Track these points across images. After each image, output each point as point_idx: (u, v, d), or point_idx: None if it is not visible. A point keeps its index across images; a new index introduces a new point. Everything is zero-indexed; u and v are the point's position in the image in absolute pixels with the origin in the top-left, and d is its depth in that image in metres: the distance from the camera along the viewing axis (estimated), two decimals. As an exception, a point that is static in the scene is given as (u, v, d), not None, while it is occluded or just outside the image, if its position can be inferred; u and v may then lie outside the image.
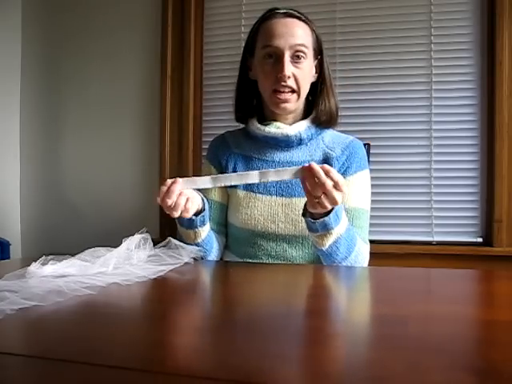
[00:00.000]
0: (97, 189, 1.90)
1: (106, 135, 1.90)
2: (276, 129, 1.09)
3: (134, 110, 1.87)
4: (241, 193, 1.09)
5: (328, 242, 0.94)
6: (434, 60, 1.63)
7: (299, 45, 1.04)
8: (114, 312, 0.60)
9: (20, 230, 1.97)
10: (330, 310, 0.64)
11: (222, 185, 0.94)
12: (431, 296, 0.72)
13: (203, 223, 0.99)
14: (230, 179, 0.93)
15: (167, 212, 0.92)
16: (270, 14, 1.08)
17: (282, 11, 1.07)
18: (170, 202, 0.88)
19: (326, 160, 1.09)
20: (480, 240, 1.60)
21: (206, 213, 1.00)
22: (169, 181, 0.90)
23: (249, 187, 1.09)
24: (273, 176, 0.90)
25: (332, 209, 0.90)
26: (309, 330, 0.53)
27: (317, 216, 0.92)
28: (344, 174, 1.08)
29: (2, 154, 1.92)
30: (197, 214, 0.98)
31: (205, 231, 1.01)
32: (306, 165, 0.87)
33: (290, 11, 1.07)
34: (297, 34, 1.04)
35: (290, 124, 1.10)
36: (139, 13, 1.87)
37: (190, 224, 0.98)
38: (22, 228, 1.98)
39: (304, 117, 1.12)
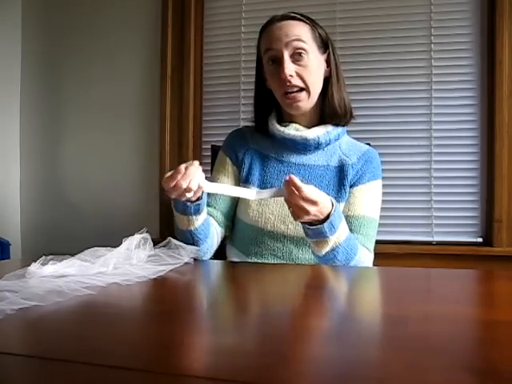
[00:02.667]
0: (97, 189, 1.90)
1: (105, 135, 1.90)
2: (295, 131, 1.10)
3: (134, 110, 1.87)
4: (254, 190, 1.09)
5: (324, 249, 0.95)
6: (434, 60, 1.63)
7: (295, 40, 1.04)
8: (114, 312, 0.60)
9: (20, 230, 1.97)
10: (331, 310, 0.64)
11: (216, 192, 0.99)
12: (431, 296, 0.72)
13: (198, 212, 0.97)
14: (228, 190, 0.99)
15: (170, 194, 0.91)
16: (268, 22, 1.09)
17: (278, 16, 1.08)
18: (184, 185, 0.87)
19: (342, 166, 1.10)
20: (480, 240, 1.60)
21: (203, 202, 0.97)
22: (183, 165, 0.89)
23: (262, 185, 1.10)
24: (267, 194, 0.97)
25: (328, 218, 0.91)
26: (309, 330, 0.53)
27: (314, 222, 0.92)
28: (357, 181, 1.09)
29: (2, 154, 1.92)
30: (193, 201, 0.96)
31: (199, 220, 0.99)
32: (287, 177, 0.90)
33: (286, 14, 1.08)
34: (291, 33, 1.05)
35: (308, 126, 1.11)
36: (139, 13, 1.87)
37: (184, 210, 0.96)
38: (22, 228, 1.98)
39: (321, 116, 1.12)
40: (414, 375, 0.37)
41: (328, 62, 1.11)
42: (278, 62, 1.05)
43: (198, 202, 0.96)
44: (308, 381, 0.38)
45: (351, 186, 1.09)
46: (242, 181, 1.12)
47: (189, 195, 0.90)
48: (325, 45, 1.10)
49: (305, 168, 1.10)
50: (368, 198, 1.09)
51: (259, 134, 1.16)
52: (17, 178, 1.98)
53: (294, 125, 1.11)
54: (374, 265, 1.09)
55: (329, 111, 1.10)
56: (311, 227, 0.92)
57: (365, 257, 1.03)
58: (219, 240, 1.12)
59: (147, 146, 1.86)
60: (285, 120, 1.13)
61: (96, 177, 1.91)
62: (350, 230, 1.03)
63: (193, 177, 0.89)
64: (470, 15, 1.61)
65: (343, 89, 1.12)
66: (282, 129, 1.10)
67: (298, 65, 1.05)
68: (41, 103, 1.97)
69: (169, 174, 0.90)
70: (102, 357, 0.42)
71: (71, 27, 1.94)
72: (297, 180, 0.88)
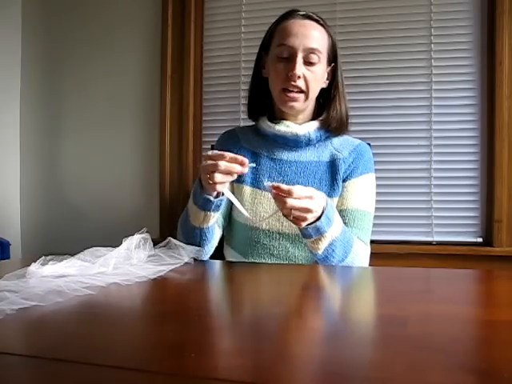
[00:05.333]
0: (97, 189, 1.90)
1: (105, 135, 1.90)
2: (286, 127, 1.10)
3: (133, 110, 1.87)
4: (247, 188, 1.10)
5: (323, 245, 0.94)
6: (434, 60, 1.63)
7: (313, 48, 1.05)
8: (114, 312, 0.60)
9: (20, 230, 1.97)
10: (330, 311, 0.64)
11: (229, 197, 0.96)
12: (431, 296, 0.72)
13: (217, 208, 0.97)
14: (238, 203, 0.96)
15: (206, 163, 0.89)
16: (289, 15, 1.09)
17: (301, 13, 1.08)
18: (223, 167, 0.86)
19: (333, 161, 1.10)
20: (480, 240, 1.60)
21: (224, 198, 0.98)
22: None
23: (255, 183, 1.10)
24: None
25: (322, 213, 0.90)
26: (309, 331, 0.53)
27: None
28: (350, 175, 1.09)
29: (1, 154, 1.92)
30: (215, 196, 0.96)
31: (214, 218, 0.99)
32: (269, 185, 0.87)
33: (310, 14, 1.09)
34: (312, 37, 1.06)
35: (300, 124, 1.11)
36: (139, 13, 1.86)
37: (205, 204, 0.96)
38: (22, 228, 1.98)
39: (314, 118, 1.13)
40: (414, 375, 0.37)
41: (329, 74, 1.13)
42: (290, 58, 1.05)
43: (220, 198, 0.96)
44: (307, 381, 0.38)
45: (344, 181, 1.09)
46: (235, 180, 1.12)
47: (217, 176, 0.88)
48: (333, 57, 1.12)
49: (296, 164, 1.10)
50: (361, 192, 1.09)
51: (252, 133, 1.17)
52: (17, 178, 1.98)
53: (284, 122, 1.11)
54: (373, 265, 1.09)
55: (334, 124, 1.11)
56: (309, 226, 0.91)
57: (361, 250, 1.03)
58: (217, 241, 1.12)
59: (147, 145, 1.86)
60: (276, 118, 1.14)
61: (96, 177, 1.91)
62: (344, 223, 1.03)
63: (223, 152, 0.88)
64: (470, 15, 1.61)
65: (345, 101, 1.14)
66: (272, 125, 1.11)
67: (307, 69, 1.06)
68: (41, 103, 1.97)
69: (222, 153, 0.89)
70: (102, 357, 0.42)
71: (71, 27, 1.94)
72: (281, 185, 0.85)
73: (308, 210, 0.87)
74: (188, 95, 1.79)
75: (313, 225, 0.91)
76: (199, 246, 1.01)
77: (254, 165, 0.90)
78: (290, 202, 0.85)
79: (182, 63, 1.80)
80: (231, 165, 0.87)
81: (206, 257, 1.05)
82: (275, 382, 0.37)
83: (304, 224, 0.90)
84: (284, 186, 0.85)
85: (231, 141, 1.17)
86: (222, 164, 0.86)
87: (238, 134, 1.19)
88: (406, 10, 1.65)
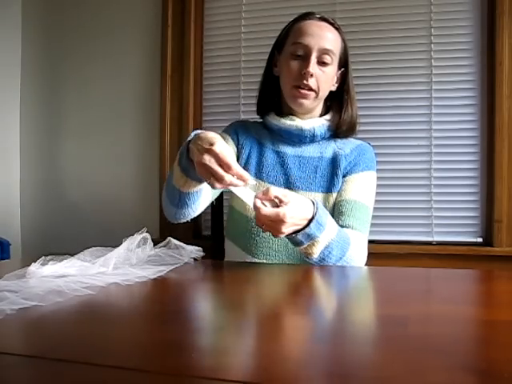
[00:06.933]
0: (97, 189, 1.90)
1: (105, 135, 1.90)
2: (291, 121, 1.12)
3: (133, 110, 1.87)
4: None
5: (317, 249, 0.90)
6: (434, 60, 1.63)
7: (328, 49, 1.08)
8: (114, 312, 0.60)
9: (20, 229, 1.97)
10: (330, 311, 0.64)
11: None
12: (431, 296, 0.72)
13: (199, 179, 0.89)
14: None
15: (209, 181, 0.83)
16: (306, 16, 1.12)
17: (317, 15, 1.11)
18: (228, 178, 0.80)
19: (335, 157, 1.12)
20: (480, 240, 1.60)
21: None
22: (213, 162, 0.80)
23: (259, 175, 1.12)
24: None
25: (312, 218, 0.87)
26: (309, 331, 0.53)
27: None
28: (350, 171, 1.11)
29: (1, 154, 1.91)
30: None
31: (194, 187, 0.93)
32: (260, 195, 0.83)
33: (326, 17, 1.11)
34: (327, 38, 1.08)
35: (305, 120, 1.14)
36: (139, 13, 1.86)
37: (187, 170, 0.89)
38: (22, 228, 1.98)
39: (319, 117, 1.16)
40: (414, 375, 0.37)
41: (338, 78, 1.15)
42: (304, 56, 1.07)
43: None
44: (307, 381, 0.38)
45: (344, 176, 1.11)
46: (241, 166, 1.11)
47: (218, 185, 0.82)
48: (345, 61, 1.14)
49: (299, 159, 1.12)
50: (360, 186, 1.10)
51: (259, 126, 1.20)
52: (17, 178, 1.97)
53: (291, 116, 1.14)
54: (373, 265, 1.09)
55: (341, 126, 1.14)
56: (299, 233, 0.87)
57: (359, 246, 1.00)
58: (202, 209, 1.06)
59: (147, 145, 1.86)
60: (284, 114, 1.16)
61: (96, 177, 1.91)
62: (341, 213, 1.03)
63: (231, 162, 0.81)
64: (470, 15, 1.61)
65: (355, 106, 1.16)
66: (278, 118, 1.14)
67: (320, 69, 1.08)
68: (41, 103, 1.97)
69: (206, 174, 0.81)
70: (101, 357, 0.42)
71: (71, 26, 1.93)
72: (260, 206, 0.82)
73: (277, 231, 0.83)
74: (188, 95, 1.79)
75: (302, 232, 0.87)
76: (177, 207, 0.97)
77: (254, 182, 0.87)
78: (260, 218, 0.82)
79: (181, 63, 1.80)
80: (236, 181, 0.82)
81: (186, 219, 1.02)
82: (275, 382, 0.37)
83: (282, 235, 0.86)
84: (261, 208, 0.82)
85: (243, 128, 1.20)
86: (228, 180, 0.81)
87: (248, 124, 1.23)
88: (406, 10, 1.65)
